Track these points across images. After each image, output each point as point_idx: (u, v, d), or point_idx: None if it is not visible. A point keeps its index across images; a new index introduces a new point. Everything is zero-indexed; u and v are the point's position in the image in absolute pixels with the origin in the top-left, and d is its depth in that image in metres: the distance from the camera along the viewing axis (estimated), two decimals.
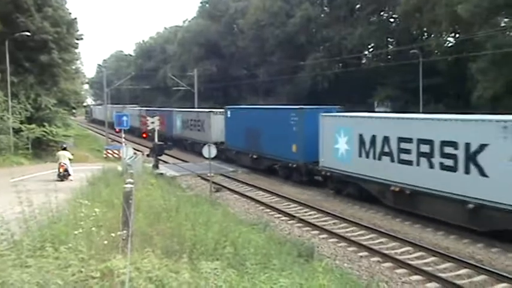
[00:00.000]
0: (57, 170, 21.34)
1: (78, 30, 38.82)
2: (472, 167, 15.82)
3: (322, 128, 23.82)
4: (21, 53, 33.96)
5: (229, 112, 35.22)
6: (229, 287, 5.67)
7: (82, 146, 43.04)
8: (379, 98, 48.72)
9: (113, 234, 6.89)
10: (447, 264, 13.70)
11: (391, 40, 58.54)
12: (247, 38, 68.58)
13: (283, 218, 19.58)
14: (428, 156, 17.54)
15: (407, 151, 18.49)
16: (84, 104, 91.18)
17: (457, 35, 46.29)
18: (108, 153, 36.07)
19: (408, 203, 18.68)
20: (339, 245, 15.84)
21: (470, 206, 15.67)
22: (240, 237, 9.85)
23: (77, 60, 44.44)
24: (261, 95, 68.08)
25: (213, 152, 23.22)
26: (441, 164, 17.01)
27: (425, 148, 17.70)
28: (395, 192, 19.08)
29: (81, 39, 39.67)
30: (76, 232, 7.15)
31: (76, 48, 40.12)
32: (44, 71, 35.79)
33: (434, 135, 17.34)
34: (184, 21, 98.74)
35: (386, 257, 14.36)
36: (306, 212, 20.52)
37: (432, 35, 50.10)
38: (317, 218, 19.55)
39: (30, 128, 32.93)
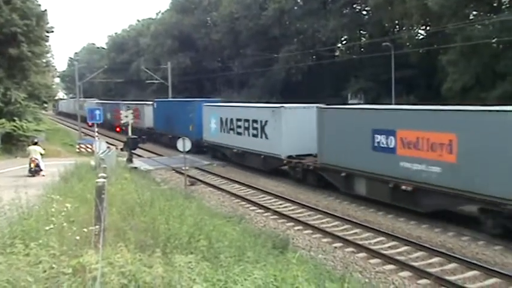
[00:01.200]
0: (28, 165, 20.95)
1: (48, 23, 37.84)
2: (263, 134, 26.59)
3: (203, 114, 34.18)
4: None
5: (155, 104, 45.69)
6: (203, 280, 5.64)
7: (54, 141, 42.18)
8: (352, 90, 49.02)
9: (85, 230, 6.81)
10: (419, 253, 13.95)
11: (363, 33, 58.94)
12: (220, 30, 68.19)
13: (259, 210, 19.64)
14: (248, 129, 28.08)
15: (240, 127, 29.05)
16: (56, 97, 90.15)
17: (428, 28, 46.85)
18: (81, 147, 35.47)
19: (241, 159, 29.49)
20: (314, 236, 15.97)
21: (262, 156, 26.63)
22: (214, 230, 9.83)
23: (48, 53, 43.44)
24: (235, 87, 67.90)
25: (188, 145, 23.10)
26: (252, 133, 27.67)
27: (246, 124, 28.28)
28: (235, 153, 29.84)
29: (52, 31, 38.71)
30: (47, 228, 7.03)
31: (46, 41, 39.12)
32: (13, 64, 34.84)
33: (250, 116, 28.01)
34: (157, 14, 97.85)
35: (361, 248, 14.54)
36: (281, 204, 20.61)
37: (404, 28, 50.66)
38: (292, 210, 19.67)
39: (0, 122, 32.17)
